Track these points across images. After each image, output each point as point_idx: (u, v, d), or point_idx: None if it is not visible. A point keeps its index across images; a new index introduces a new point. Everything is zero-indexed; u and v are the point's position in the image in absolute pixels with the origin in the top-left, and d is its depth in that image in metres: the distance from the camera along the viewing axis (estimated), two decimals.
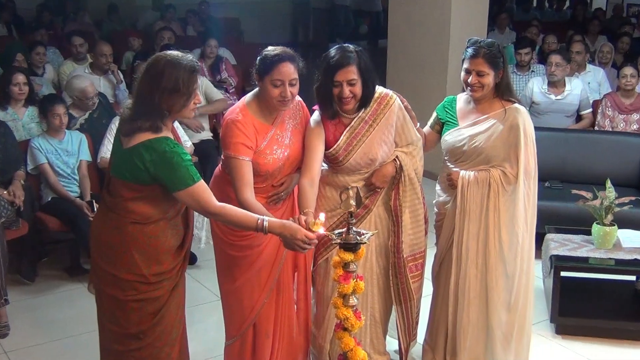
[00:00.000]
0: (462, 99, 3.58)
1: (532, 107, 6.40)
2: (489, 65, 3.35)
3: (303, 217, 2.95)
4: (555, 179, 5.62)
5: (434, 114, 3.67)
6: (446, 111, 3.61)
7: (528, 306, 3.55)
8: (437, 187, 3.71)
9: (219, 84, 7.11)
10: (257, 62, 3.12)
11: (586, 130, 6.24)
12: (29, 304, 4.71)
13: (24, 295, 4.80)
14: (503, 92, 3.43)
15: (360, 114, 3.35)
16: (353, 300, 2.90)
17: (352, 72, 3.21)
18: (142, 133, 2.72)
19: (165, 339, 2.94)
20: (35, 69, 6.88)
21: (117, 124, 5.03)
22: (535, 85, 6.45)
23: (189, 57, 2.81)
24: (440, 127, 3.63)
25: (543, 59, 7.37)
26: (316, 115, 3.36)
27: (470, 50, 3.39)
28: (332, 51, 3.26)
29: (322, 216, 2.92)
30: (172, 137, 2.79)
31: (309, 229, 2.87)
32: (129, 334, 2.89)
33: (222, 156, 3.28)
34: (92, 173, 5.28)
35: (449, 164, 3.59)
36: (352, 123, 3.35)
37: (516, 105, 3.43)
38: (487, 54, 3.34)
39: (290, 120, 3.28)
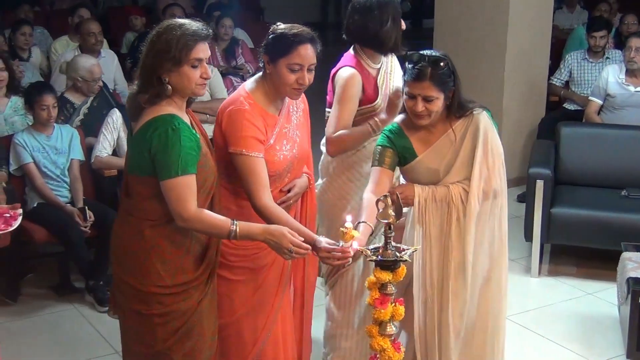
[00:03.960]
0: (404, 122, 3.33)
1: (607, 101, 6.37)
2: (437, 88, 3.13)
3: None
4: (634, 187, 5.57)
5: (378, 149, 3.31)
6: (396, 141, 3.31)
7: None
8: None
9: (234, 71, 7.13)
10: (270, 40, 3.16)
11: None
12: (9, 327, 4.75)
13: (4, 318, 4.85)
14: (455, 112, 3.24)
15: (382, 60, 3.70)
16: (391, 329, 2.90)
17: None
18: (146, 111, 2.82)
19: (197, 357, 3.00)
20: (20, 52, 6.93)
21: (114, 118, 5.19)
22: (611, 74, 6.39)
23: (202, 25, 2.86)
24: (392, 160, 3.31)
25: (621, 43, 7.31)
26: (350, 71, 3.55)
27: (412, 71, 3.15)
28: None
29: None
30: (183, 117, 2.85)
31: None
32: (156, 352, 2.96)
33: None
34: (85, 175, 5.30)
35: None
36: (380, 71, 3.68)
37: (475, 111, 3.25)
38: (434, 76, 3.12)
39: (294, 111, 3.30)
